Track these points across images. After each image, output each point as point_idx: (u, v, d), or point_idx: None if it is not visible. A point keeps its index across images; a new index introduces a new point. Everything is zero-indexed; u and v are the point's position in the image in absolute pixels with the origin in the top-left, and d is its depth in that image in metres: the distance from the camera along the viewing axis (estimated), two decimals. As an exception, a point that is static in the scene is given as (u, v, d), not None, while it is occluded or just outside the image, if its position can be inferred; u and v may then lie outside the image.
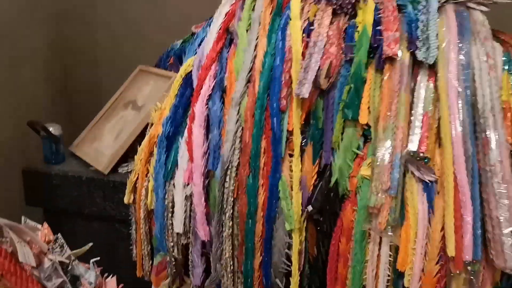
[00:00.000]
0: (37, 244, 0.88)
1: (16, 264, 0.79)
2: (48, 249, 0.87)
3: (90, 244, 0.97)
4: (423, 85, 0.95)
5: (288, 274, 1.03)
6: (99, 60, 1.80)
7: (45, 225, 0.94)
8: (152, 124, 1.18)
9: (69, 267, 0.88)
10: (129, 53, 1.72)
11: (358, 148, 0.96)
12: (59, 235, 0.92)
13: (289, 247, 1.01)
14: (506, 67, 0.97)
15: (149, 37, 1.71)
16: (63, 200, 1.23)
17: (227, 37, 1.11)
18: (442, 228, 0.89)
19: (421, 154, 0.90)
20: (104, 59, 1.77)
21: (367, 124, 0.95)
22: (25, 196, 1.22)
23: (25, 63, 1.51)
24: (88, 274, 0.90)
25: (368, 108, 0.95)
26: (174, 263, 1.09)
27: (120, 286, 0.98)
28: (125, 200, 1.14)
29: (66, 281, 0.83)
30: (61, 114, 1.46)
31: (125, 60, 1.64)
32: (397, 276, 0.92)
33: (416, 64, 0.97)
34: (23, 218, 0.94)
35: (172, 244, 1.07)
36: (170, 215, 1.06)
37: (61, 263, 0.86)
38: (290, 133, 1.00)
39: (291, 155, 1.00)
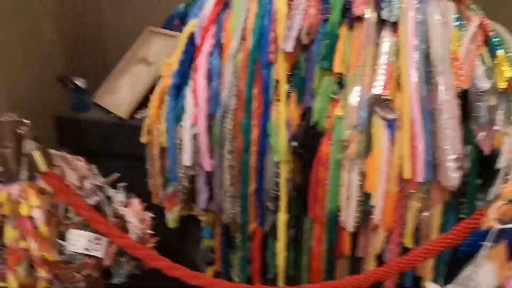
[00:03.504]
0: (79, 171, 1.00)
1: (65, 185, 0.91)
2: (87, 176, 0.99)
3: (118, 174, 1.09)
4: (386, 40, 1.02)
5: (278, 198, 1.14)
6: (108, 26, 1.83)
7: (83, 158, 1.06)
8: (161, 77, 1.28)
9: (103, 190, 1.01)
10: (137, 16, 1.77)
11: (333, 93, 1.04)
12: (94, 166, 1.04)
13: (278, 175, 1.11)
14: (458, 23, 1.03)
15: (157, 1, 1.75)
16: (90, 142, 1.33)
17: (224, 2, 1.17)
18: (401, 157, 0.99)
19: (384, 97, 0.99)
20: (110, 25, 1.81)
21: (340, 73, 1.04)
22: (58, 139, 1.32)
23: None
24: (118, 195, 1.03)
25: (342, 59, 1.04)
26: (184, 191, 1.20)
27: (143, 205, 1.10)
28: (142, 140, 1.23)
29: (103, 199, 0.96)
30: (81, 70, 1.53)
31: (133, 22, 1.70)
32: (366, 197, 1.03)
33: (381, 22, 1.03)
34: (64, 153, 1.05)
35: (182, 175, 1.17)
36: (179, 151, 1.15)
37: (97, 186, 0.99)
38: (278, 81, 1.08)
39: (278, 100, 1.09)
